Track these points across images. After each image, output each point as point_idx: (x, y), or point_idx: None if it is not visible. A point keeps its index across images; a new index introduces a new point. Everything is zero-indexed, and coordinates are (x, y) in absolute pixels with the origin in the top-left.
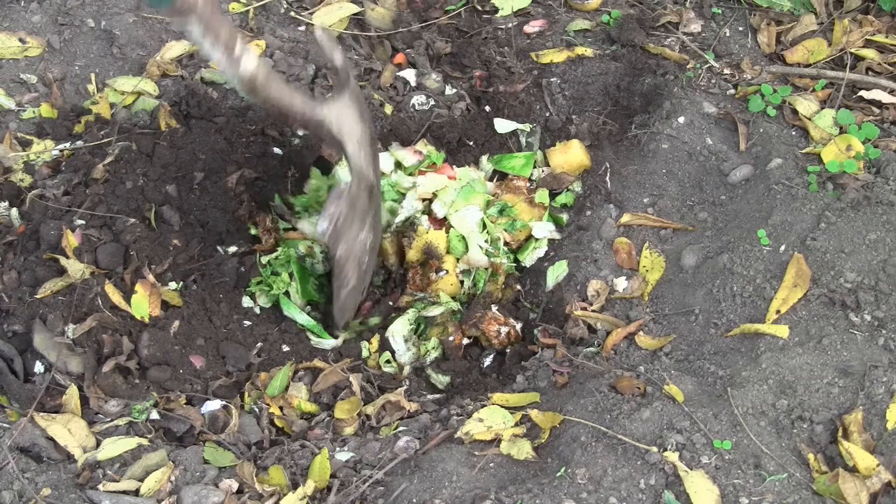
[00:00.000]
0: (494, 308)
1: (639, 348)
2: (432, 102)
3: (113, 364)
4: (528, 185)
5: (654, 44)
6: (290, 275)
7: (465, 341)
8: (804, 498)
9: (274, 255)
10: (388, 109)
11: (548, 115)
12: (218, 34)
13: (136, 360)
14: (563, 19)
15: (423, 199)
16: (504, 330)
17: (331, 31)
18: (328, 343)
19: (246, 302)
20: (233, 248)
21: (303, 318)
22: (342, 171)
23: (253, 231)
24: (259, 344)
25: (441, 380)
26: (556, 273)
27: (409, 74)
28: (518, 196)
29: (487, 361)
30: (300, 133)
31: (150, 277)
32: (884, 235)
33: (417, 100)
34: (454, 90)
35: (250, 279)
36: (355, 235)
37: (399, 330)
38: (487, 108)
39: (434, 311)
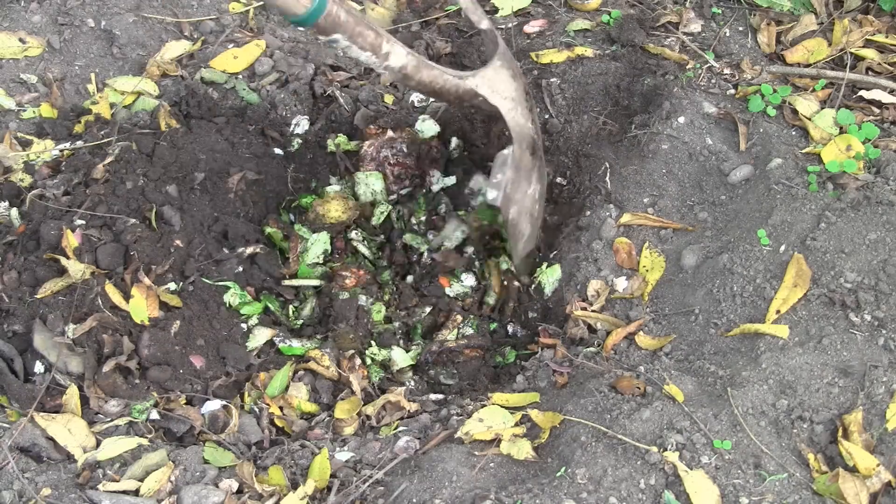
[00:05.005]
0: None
1: (639, 348)
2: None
3: (113, 364)
4: None
5: (654, 44)
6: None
7: None
8: (804, 498)
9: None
10: (389, 100)
11: (547, 116)
12: (364, 40)
13: (136, 360)
14: (563, 19)
15: None
16: None
17: None
18: None
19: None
20: (250, 250)
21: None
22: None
23: (268, 230)
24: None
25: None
26: (552, 278)
27: None
28: None
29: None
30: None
31: (146, 280)
32: (884, 235)
33: (418, 96)
34: None
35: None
36: (524, 193)
37: None
38: None
39: None
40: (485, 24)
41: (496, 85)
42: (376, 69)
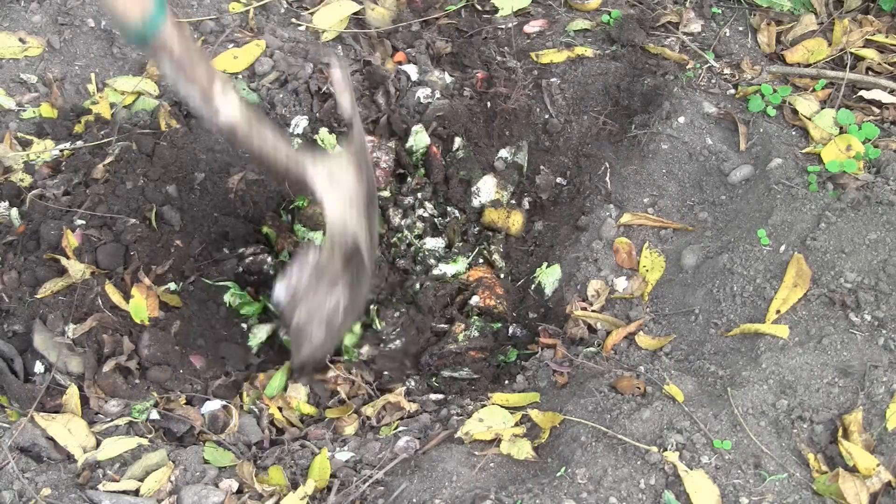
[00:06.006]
0: None
1: (639, 348)
2: (438, 95)
3: (113, 364)
4: None
5: (654, 44)
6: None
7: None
8: (804, 498)
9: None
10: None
11: (547, 116)
12: (193, 74)
13: (136, 360)
14: (563, 19)
15: None
16: None
17: (347, 72)
18: None
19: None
20: (251, 250)
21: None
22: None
23: (265, 229)
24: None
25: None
26: (552, 278)
27: (412, 70)
28: None
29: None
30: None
31: (146, 280)
32: (884, 235)
33: (423, 93)
34: (456, 82)
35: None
36: (321, 299)
37: None
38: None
39: None
40: (346, 104)
41: (335, 180)
42: (205, 123)
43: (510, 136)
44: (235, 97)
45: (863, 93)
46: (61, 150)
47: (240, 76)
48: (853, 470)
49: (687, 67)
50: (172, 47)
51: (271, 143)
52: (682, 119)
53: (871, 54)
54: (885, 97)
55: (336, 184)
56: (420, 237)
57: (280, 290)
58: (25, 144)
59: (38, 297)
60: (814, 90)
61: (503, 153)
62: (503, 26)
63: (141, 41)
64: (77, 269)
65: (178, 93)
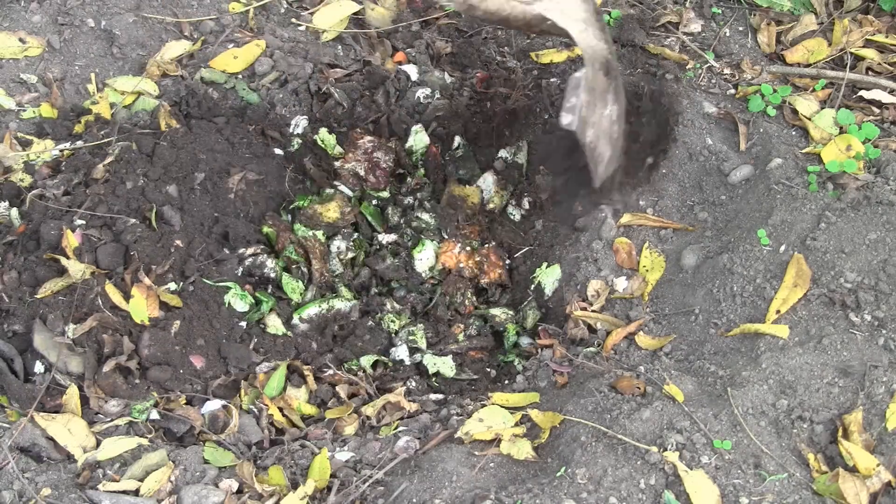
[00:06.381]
0: None
1: (639, 348)
2: (437, 95)
3: (113, 364)
4: None
5: (654, 44)
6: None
7: None
8: (804, 498)
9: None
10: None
11: (546, 116)
12: None
13: (136, 360)
14: None
15: None
16: None
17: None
18: None
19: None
20: (250, 250)
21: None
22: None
23: (266, 229)
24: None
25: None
26: (552, 278)
27: (411, 69)
28: None
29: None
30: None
31: (147, 280)
32: (884, 235)
33: (423, 93)
34: (456, 81)
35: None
36: (601, 115)
37: None
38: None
39: None
40: None
41: (565, 6)
42: (443, 2)
43: (510, 136)
44: None
45: (863, 93)
46: (61, 150)
47: (240, 76)
48: (853, 470)
49: (687, 67)
50: None
51: (502, 3)
52: (681, 119)
53: (871, 54)
54: (885, 97)
55: (568, 12)
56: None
57: (566, 116)
58: (25, 144)
59: (38, 297)
60: (814, 90)
61: (503, 153)
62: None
63: None
64: (77, 269)
65: None
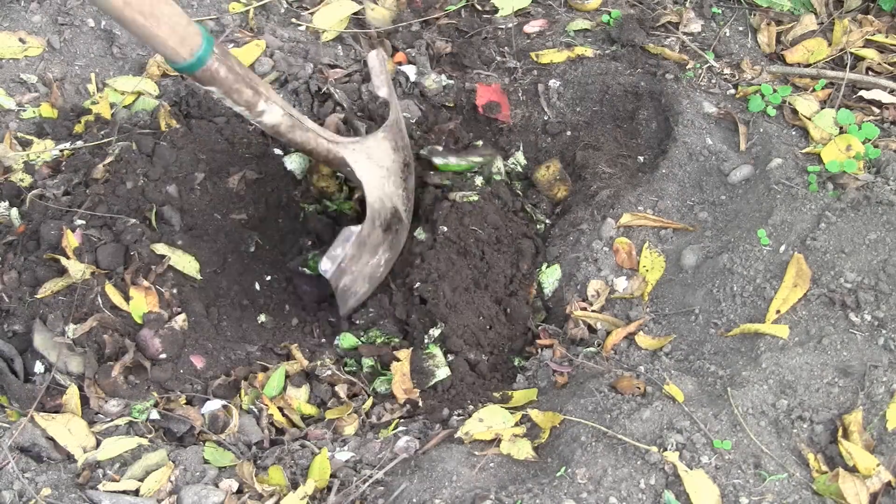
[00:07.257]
0: None
1: (639, 348)
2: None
3: (119, 367)
4: None
5: (654, 44)
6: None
7: None
8: (804, 498)
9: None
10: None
11: (546, 117)
12: (239, 97)
13: (145, 360)
14: (563, 19)
15: None
16: None
17: (382, 55)
18: None
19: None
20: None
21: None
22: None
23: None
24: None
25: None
26: (552, 278)
27: (411, 70)
28: None
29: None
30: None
31: (145, 282)
32: (884, 235)
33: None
34: (453, 83)
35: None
36: (365, 264)
37: None
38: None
39: None
40: (383, 91)
41: (373, 152)
42: (250, 120)
43: (510, 136)
44: (277, 106)
45: (863, 93)
46: (61, 150)
47: None
48: (853, 470)
49: (687, 67)
50: (220, 76)
51: (311, 136)
52: (682, 119)
53: (871, 54)
54: (885, 97)
55: (373, 162)
56: None
57: (326, 264)
58: (25, 144)
59: (38, 297)
60: (814, 90)
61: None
62: (503, 26)
63: (189, 73)
64: (77, 269)
65: (225, 104)
